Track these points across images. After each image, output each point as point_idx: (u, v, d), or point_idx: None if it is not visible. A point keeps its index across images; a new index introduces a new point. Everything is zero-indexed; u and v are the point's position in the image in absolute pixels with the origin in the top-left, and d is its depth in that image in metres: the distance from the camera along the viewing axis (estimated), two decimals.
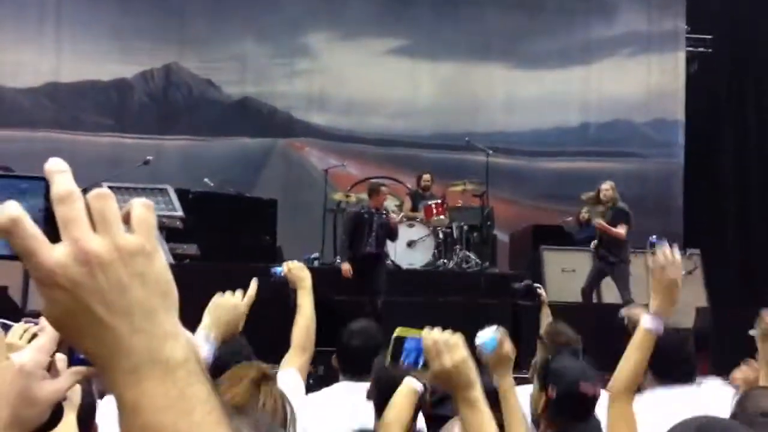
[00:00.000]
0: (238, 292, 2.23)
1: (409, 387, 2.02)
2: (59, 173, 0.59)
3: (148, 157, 7.46)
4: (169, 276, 0.60)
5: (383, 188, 7.15)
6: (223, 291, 2.24)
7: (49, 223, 0.59)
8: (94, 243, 0.57)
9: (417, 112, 10.58)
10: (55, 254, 0.57)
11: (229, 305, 2.17)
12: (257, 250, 7.69)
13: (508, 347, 2.06)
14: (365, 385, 2.43)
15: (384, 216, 6.99)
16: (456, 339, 1.60)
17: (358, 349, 2.77)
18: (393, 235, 7.17)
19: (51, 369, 0.92)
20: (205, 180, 8.50)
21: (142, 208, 0.60)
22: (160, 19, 10.35)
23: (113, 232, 0.58)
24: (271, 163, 10.46)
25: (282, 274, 2.84)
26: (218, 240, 7.42)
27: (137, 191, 6.35)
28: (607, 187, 7.19)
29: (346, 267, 6.89)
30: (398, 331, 1.74)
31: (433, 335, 1.60)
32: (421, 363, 1.69)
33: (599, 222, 7.04)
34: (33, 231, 0.57)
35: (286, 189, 9.67)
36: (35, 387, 0.89)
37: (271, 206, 8.35)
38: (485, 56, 10.81)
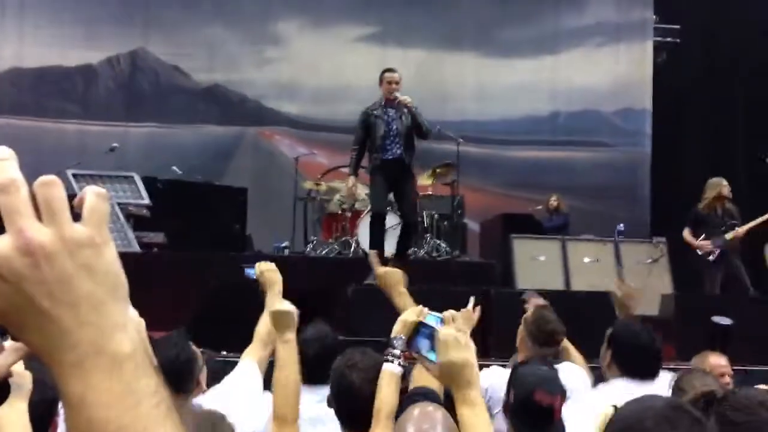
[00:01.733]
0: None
1: (390, 372, 2.04)
2: (1, 161, 0.56)
3: (114, 145, 7.36)
4: (118, 267, 0.58)
5: (387, 74, 6.16)
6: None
7: None
8: (39, 233, 0.55)
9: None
10: None
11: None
12: (227, 239, 7.64)
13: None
14: (323, 391, 2.40)
15: (399, 106, 5.92)
16: (467, 339, 1.72)
17: (315, 358, 2.62)
18: (426, 129, 6.05)
19: None
20: (173, 168, 8.40)
21: (94, 196, 0.58)
22: (126, 3, 10.17)
23: (59, 221, 0.56)
24: (241, 151, 10.37)
25: (254, 276, 2.80)
26: (187, 228, 7.35)
27: (103, 179, 6.26)
28: (724, 183, 7.05)
29: (351, 181, 6.23)
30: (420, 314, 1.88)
31: (448, 329, 1.73)
32: (429, 351, 1.81)
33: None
34: None
35: (255, 177, 9.60)
36: None
37: (241, 194, 8.29)
38: (456, 44, 10.81)
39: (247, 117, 10.47)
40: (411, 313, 1.95)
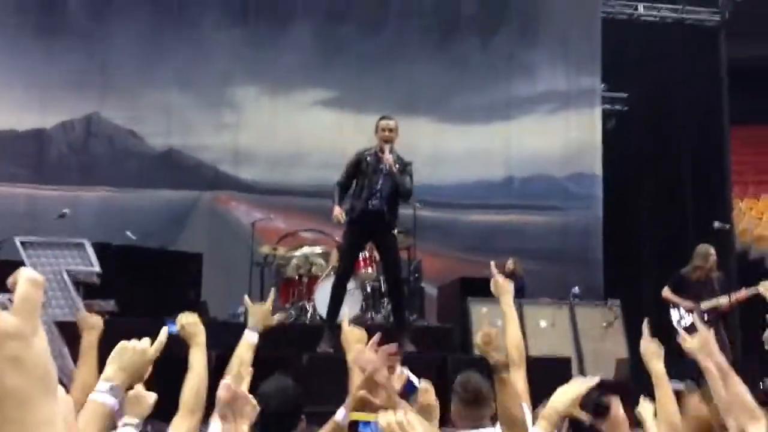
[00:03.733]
0: (145, 339, 2.12)
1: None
2: None
3: (64, 211, 7.23)
4: (47, 358, 0.56)
5: (382, 122, 6.06)
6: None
7: None
8: None
9: (344, 163, 10.61)
10: None
11: (136, 350, 2.06)
12: (181, 305, 7.45)
13: (431, 397, 2.16)
14: None
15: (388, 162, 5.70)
16: (412, 417, 1.61)
17: (275, 415, 2.38)
18: (403, 190, 5.81)
19: None
20: (127, 233, 8.27)
21: (28, 284, 0.56)
22: (82, 67, 10.13)
23: None
24: (196, 216, 10.27)
25: (176, 331, 2.64)
26: (140, 295, 7.19)
27: (52, 246, 6.12)
28: (713, 252, 7.12)
29: (337, 210, 5.89)
30: (352, 416, 1.73)
31: (388, 417, 1.60)
32: None
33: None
34: None
35: (211, 243, 9.49)
36: None
37: (196, 260, 8.17)
38: (411, 110, 10.99)
39: (203, 182, 10.41)
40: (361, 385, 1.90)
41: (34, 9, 10.14)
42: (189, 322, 2.61)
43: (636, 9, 11.65)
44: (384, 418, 1.60)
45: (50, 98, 10.01)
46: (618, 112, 11.75)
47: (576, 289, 8.09)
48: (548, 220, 11.03)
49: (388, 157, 5.91)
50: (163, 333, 2.17)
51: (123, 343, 2.08)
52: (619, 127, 11.62)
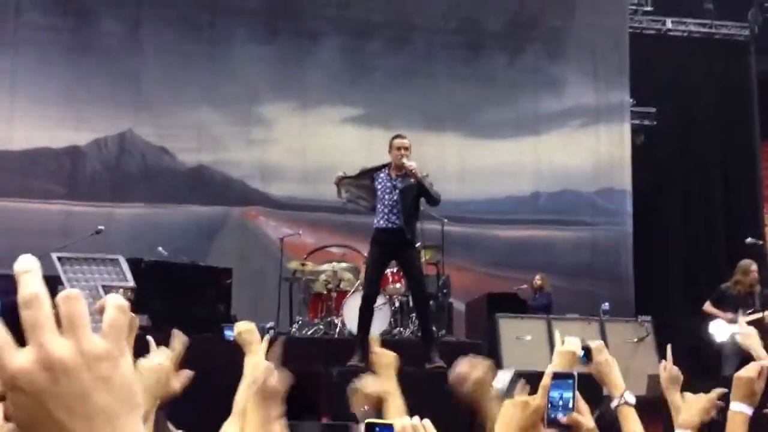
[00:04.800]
0: (162, 349, 2.12)
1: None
2: (26, 273, 0.59)
3: (99, 227, 7.35)
4: (133, 379, 0.61)
5: (396, 140, 6.07)
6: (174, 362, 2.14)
7: (8, 318, 0.59)
8: (59, 348, 0.58)
9: None
10: (18, 360, 0.57)
11: (151, 366, 2.04)
12: (212, 320, 7.56)
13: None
14: None
15: (408, 178, 5.75)
16: (427, 423, 1.61)
17: None
18: (433, 193, 5.87)
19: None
20: (159, 249, 8.39)
21: (115, 310, 0.61)
22: (115, 86, 10.34)
23: (79, 336, 0.59)
24: (226, 231, 10.38)
25: (233, 338, 2.70)
26: (172, 310, 7.28)
27: (88, 261, 6.24)
28: (754, 268, 7.14)
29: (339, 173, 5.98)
30: (369, 421, 1.74)
31: (403, 422, 1.60)
32: None
33: None
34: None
35: (240, 258, 9.59)
36: None
37: (226, 275, 8.25)
38: (438, 125, 11.04)
39: (233, 198, 10.54)
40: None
41: (67, 28, 10.37)
42: (246, 329, 2.65)
43: (664, 24, 11.61)
44: (399, 422, 1.61)
45: (84, 116, 10.21)
46: (647, 127, 11.69)
47: (606, 305, 8.04)
48: (577, 235, 10.98)
49: (411, 164, 5.97)
50: (178, 340, 2.16)
51: (138, 364, 2.05)
52: (648, 142, 11.56)
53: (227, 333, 2.80)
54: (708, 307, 7.20)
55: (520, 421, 1.72)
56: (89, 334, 0.59)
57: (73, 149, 10.27)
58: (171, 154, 10.54)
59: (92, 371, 0.58)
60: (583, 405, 1.92)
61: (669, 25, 11.60)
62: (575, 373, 1.91)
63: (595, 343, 2.28)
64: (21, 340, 0.59)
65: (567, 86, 11.44)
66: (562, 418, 1.78)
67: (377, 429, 1.74)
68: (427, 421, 1.64)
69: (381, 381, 2.69)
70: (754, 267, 7.19)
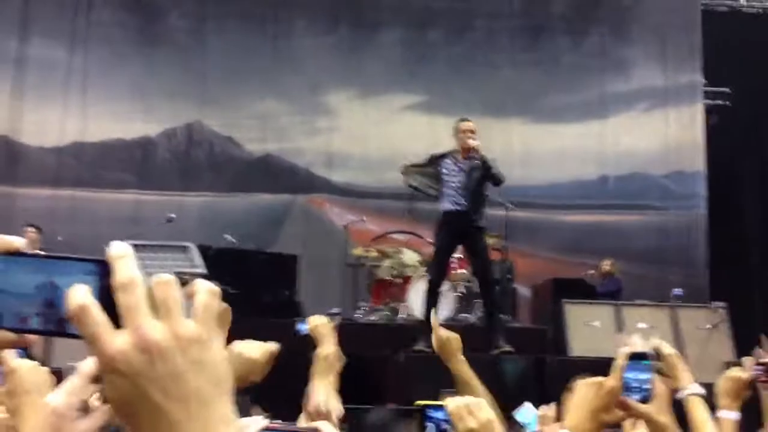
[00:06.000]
0: (258, 344, 2.15)
1: None
2: (120, 259, 0.61)
3: (171, 215, 7.54)
4: (224, 362, 0.62)
5: (462, 123, 6.15)
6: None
7: (104, 304, 0.61)
8: (154, 331, 0.59)
9: None
10: (116, 342, 0.59)
11: (249, 359, 2.08)
12: (278, 306, 7.69)
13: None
14: None
15: (474, 159, 5.82)
16: (479, 401, 1.62)
17: None
18: (496, 173, 5.96)
19: (86, 410, 0.93)
20: (226, 236, 8.56)
21: (206, 294, 0.62)
22: (182, 79, 10.60)
23: (173, 319, 0.60)
24: (292, 219, 10.53)
25: (306, 332, 2.71)
26: (239, 296, 7.42)
27: (160, 248, 6.41)
28: None
29: None
30: (419, 402, 1.75)
31: (455, 400, 1.61)
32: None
33: None
34: (98, 318, 0.60)
35: (306, 245, 9.71)
36: (67, 427, 0.91)
37: (292, 261, 8.37)
38: (501, 111, 10.92)
39: (298, 185, 10.67)
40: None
41: (136, 24, 10.68)
42: (321, 323, 2.68)
43: (737, 0, 11.19)
44: (452, 402, 1.61)
45: (154, 108, 10.50)
46: (720, 108, 11.29)
47: (679, 291, 7.82)
48: (646, 219, 10.72)
49: (475, 143, 6.00)
50: (274, 347, 2.17)
51: (239, 345, 2.10)
52: (722, 122, 11.17)
53: (301, 327, 2.81)
54: None
55: (593, 402, 1.68)
56: (182, 318, 0.60)
57: (144, 140, 10.57)
58: (237, 144, 10.75)
59: (186, 354, 0.59)
60: (663, 390, 1.83)
61: (743, 1, 11.17)
62: (653, 353, 1.85)
63: (655, 342, 2.22)
64: (115, 324, 0.60)
65: (634, 68, 11.15)
66: (637, 401, 1.73)
67: (429, 409, 1.74)
68: (482, 401, 1.63)
69: (454, 367, 2.67)
70: None
